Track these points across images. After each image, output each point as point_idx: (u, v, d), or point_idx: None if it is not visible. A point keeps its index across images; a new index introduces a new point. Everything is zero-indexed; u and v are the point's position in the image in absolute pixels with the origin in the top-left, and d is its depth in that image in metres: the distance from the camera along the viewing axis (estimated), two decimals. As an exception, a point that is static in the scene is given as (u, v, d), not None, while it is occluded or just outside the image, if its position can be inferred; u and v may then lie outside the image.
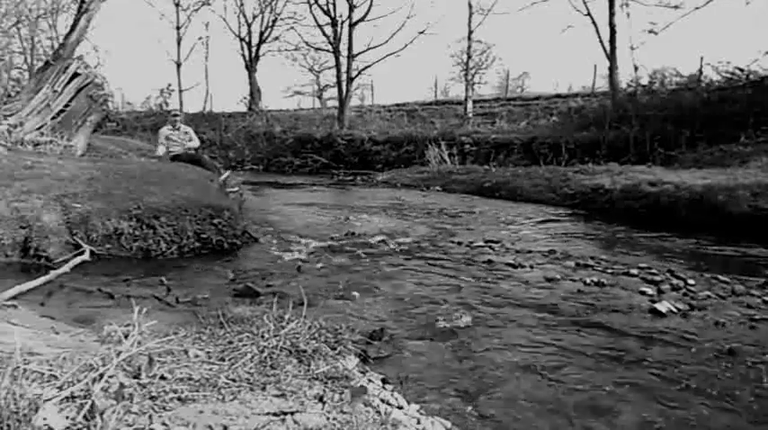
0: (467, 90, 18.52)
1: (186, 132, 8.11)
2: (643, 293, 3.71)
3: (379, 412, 1.81)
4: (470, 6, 18.10)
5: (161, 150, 7.87)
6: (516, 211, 7.73)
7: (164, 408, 1.53)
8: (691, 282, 3.95)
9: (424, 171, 12.58)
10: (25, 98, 7.53)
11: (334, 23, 19.22)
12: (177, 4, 24.30)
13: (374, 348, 2.69)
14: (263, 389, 1.77)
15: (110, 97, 8.55)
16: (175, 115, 8.14)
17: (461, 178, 11.02)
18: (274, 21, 23.69)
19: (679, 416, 2.15)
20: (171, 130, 7.93)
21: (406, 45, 22.32)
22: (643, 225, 6.48)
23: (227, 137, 19.03)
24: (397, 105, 21.47)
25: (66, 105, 7.68)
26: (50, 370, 1.62)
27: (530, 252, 4.95)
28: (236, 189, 7.34)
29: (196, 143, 8.31)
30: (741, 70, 11.27)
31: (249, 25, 23.98)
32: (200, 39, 26.43)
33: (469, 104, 18.08)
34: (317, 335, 2.33)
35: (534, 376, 2.47)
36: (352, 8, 18.80)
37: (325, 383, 1.90)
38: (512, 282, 4.01)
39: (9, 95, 8.69)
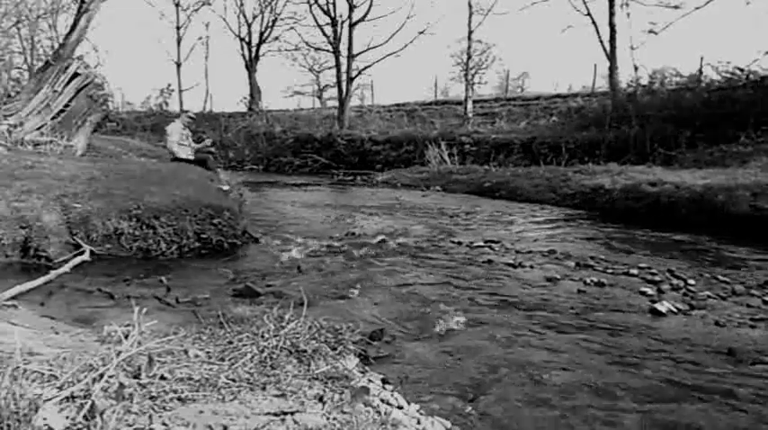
0: (467, 90, 18.48)
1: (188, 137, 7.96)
2: (643, 293, 3.71)
3: (379, 412, 1.81)
4: (470, 6, 18.08)
5: (184, 151, 7.37)
6: (516, 211, 7.72)
7: (164, 408, 1.53)
8: (691, 282, 3.95)
9: (423, 171, 12.58)
10: (25, 98, 7.53)
11: (334, 23, 19.22)
12: (177, 4, 24.33)
13: (374, 348, 2.69)
14: (263, 389, 1.77)
15: (110, 97, 8.55)
16: (192, 117, 7.84)
17: (461, 178, 11.02)
18: (274, 21, 23.71)
19: (679, 416, 2.15)
20: (185, 133, 7.57)
21: (406, 45, 22.47)
22: (643, 225, 6.48)
23: (227, 137, 19.02)
24: (397, 105, 21.44)
25: (66, 105, 7.68)
26: (50, 370, 1.62)
27: (530, 252, 4.95)
28: (230, 186, 7.24)
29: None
30: (741, 70, 11.26)
31: (249, 25, 23.99)
32: (200, 39, 26.49)
33: (469, 104, 18.04)
34: (317, 335, 2.33)
35: (534, 376, 2.47)
36: (352, 8, 18.80)
37: (326, 383, 1.90)
38: (512, 282, 4.01)
39: (9, 95, 8.69)
